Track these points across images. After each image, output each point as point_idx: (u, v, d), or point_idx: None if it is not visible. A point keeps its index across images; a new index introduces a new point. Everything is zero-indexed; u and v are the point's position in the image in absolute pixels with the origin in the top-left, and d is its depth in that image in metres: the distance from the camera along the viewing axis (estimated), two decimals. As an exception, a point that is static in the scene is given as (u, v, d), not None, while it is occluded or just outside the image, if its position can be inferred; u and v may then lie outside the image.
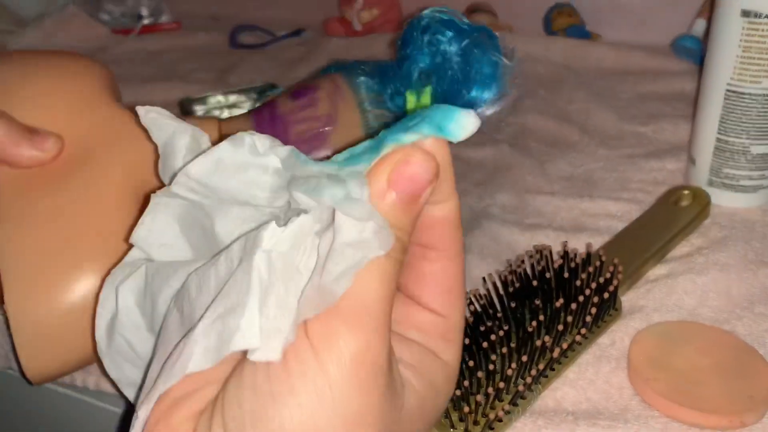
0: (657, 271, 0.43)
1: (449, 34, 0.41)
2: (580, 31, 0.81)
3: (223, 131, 0.43)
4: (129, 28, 0.96)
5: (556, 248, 0.41)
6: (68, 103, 0.36)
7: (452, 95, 0.41)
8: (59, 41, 0.92)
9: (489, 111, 0.41)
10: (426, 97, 0.42)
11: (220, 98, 0.69)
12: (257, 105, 0.49)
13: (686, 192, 0.49)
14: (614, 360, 0.37)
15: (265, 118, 0.43)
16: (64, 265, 0.31)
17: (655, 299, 0.41)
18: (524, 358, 0.34)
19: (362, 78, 0.44)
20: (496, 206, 0.51)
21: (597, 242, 0.46)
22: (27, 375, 0.32)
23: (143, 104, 0.80)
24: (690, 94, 0.67)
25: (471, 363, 0.34)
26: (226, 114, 0.68)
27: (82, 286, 0.31)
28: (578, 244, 0.45)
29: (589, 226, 0.48)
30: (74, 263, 0.31)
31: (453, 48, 0.40)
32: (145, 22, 0.98)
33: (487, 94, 0.41)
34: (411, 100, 0.43)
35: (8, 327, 0.31)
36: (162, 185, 0.25)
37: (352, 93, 0.43)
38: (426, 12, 0.42)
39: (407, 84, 0.43)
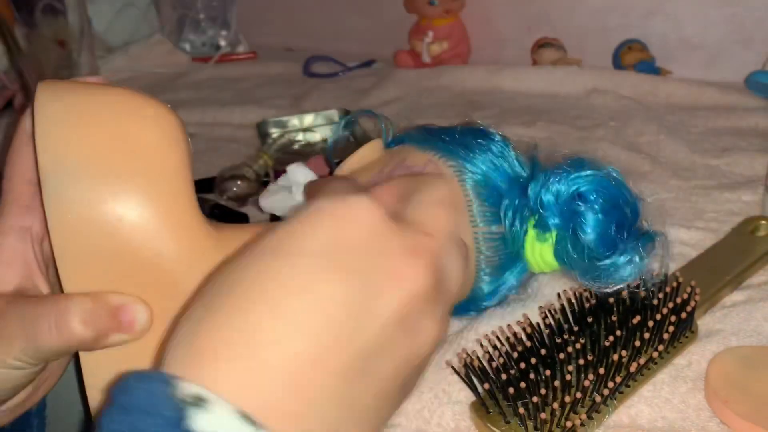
0: (734, 297, 0.43)
1: (603, 218, 0.36)
2: (649, 67, 0.82)
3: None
4: (208, 57, 1.01)
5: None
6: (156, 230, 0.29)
7: (578, 260, 0.37)
8: (143, 67, 0.98)
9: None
10: (548, 245, 0.38)
11: (295, 121, 0.72)
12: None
13: (764, 222, 0.48)
14: (691, 381, 0.37)
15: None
16: None
17: (733, 324, 0.40)
18: (601, 371, 0.34)
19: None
20: (567, 230, 0.52)
21: (671, 268, 0.46)
22: None
23: (221, 125, 0.80)
24: (765, 130, 0.66)
25: (548, 372, 0.34)
26: (300, 136, 0.70)
27: None
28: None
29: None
30: None
31: (605, 231, 0.36)
32: (223, 51, 1.03)
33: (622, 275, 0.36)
34: (531, 238, 0.38)
35: None
36: None
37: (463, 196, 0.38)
38: (589, 180, 0.36)
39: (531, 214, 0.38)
